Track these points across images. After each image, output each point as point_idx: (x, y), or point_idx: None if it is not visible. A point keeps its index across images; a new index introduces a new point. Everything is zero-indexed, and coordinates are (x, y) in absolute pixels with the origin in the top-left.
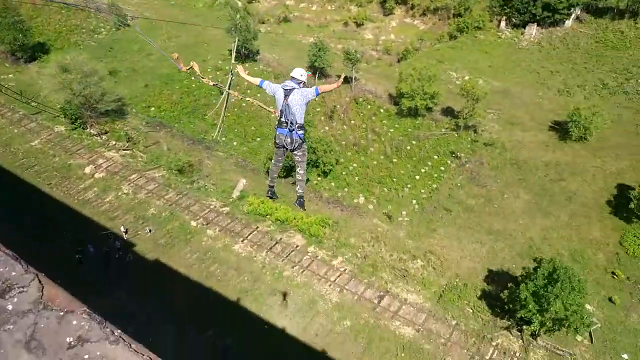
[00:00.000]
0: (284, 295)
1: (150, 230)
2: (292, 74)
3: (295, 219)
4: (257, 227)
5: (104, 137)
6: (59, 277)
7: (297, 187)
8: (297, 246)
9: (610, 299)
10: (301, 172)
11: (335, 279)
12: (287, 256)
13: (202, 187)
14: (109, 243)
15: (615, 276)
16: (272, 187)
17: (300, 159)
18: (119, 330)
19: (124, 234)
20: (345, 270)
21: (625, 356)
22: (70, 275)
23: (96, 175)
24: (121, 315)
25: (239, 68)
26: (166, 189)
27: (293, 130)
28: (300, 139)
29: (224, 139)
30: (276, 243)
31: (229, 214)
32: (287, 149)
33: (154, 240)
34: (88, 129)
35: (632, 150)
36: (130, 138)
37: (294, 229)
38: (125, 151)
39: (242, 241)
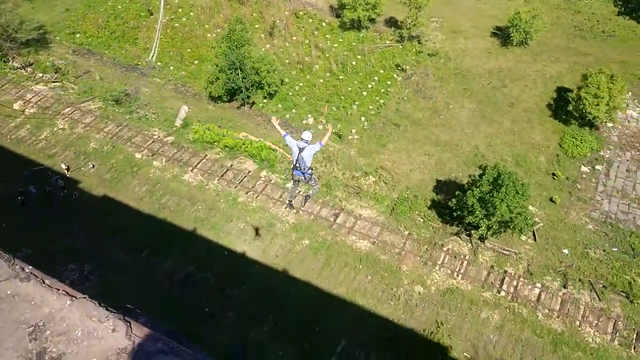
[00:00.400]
0: (257, 230)
1: (93, 166)
2: (302, 136)
3: (244, 144)
4: (206, 155)
5: (29, 69)
6: (3, 221)
7: (307, 193)
8: (249, 172)
9: (551, 199)
10: (312, 192)
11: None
12: (239, 182)
13: (142, 117)
14: (51, 182)
15: (555, 177)
16: (291, 202)
17: (314, 185)
18: (29, 267)
19: (65, 171)
20: (300, 192)
21: (565, 251)
22: (14, 219)
23: (27, 112)
24: (74, 254)
25: (273, 119)
26: (105, 121)
27: (305, 172)
28: (310, 175)
29: (159, 64)
30: (227, 170)
31: (174, 143)
32: (300, 182)
33: (98, 175)
34: (10, 62)
35: (570, 52)
36: (58, 69)
37: (244, 155)
38: (55, 83)
39: (191, 170)
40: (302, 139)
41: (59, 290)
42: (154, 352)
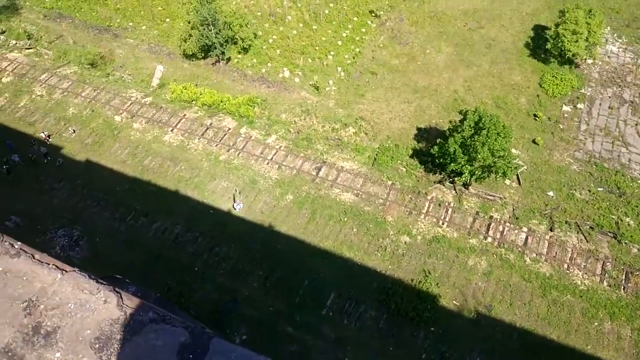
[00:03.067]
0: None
1: (74, 131)
2: None
3: (222, 101)
4: (185, 115)
5: (1, 37)
6: None
7: None
8: (229, 129)
9: (534, 141)
10: None
11: (272, 157)
12: (220, 140)
13: (118, 79)
14: (33, 149)
15: (537, 118)
16: None
17: None
18: (18, 243)
19: (47, 138)
20: (280, 147)
21: (550, 193)
22: (1, 189)
23: (3, 80)
24: (62, 219)
25: None
26: (82, 86)
27: None
28: None
29: (130, 23)
30: (207, 129)
31: (153, 104)
32: None
33: (80, 140)
34: None
35: None
36: (31, 35)
37: (222, 112)
38: (29, 50)
39: (171, 131)
40: None
41: (49, 264)
42: (146, 321)
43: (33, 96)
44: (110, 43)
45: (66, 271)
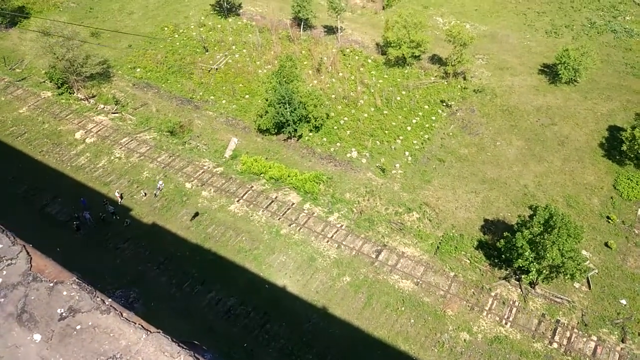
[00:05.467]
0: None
1: (145, 194)
2: None
3: (289, 176)
4: (252, 187)
5: (91, 101)
6: (59, 245)
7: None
8: (293, 204)
9: (606, 244)
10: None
11: (333, 235)
12: (283, 214)
13: (194, 148)
14: (104, 208)
15: (610, 220)
16: None
17: None
18: (109, 300)
19: (119, 198)
20: (341, 226)
21: (623, 301)
22: (68, 243)
23: (87, 140)
24: (122, 279)
25: None
26: (158, 151)
27: None
28: None
29: (212, 97)
30: (272, 202)
31: (223, 174)
32: None
33: (149, 203)
34: (75, 94)
35: (622, 90)
36: (118, 101)
37: (288, 187)
38: (114, 114)
39: (237, 201)
40: None
41: (135, 323)
42: None
43: (112, 157)
44: (191, 114)
45: (151, 332)
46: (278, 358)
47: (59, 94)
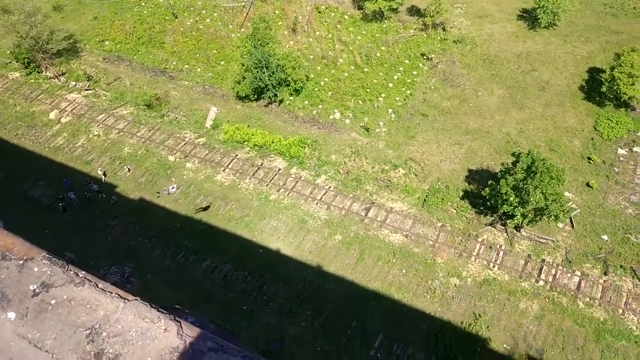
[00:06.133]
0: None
1: (129, 170)
2: None
3: (273, 142)
4: (236, 155)
5: (62, 78)
6: (47, 228)
7: None
8: (280, 169)
9: (587, 184)
10: None
11: (322, 197)
12: (270, 180)
13: (173, 120)
14: (89, 187)
15: (591, 161)
16: None
17: None
18: (83, 272)
19: (102, 176)
20: (330, 187)
21: (605, 237)
22: (57, 225)
23: (62, 120)
24: (115, 256)
25: None
26: (137, 126)
27: None
28: None
29: (186, 66)
30: (258, 169)
31: (206, 144)
32: None
33: (134, 179)
34: (44, 72)
35: (601, 31)
36: (90, 77)
37: (273, 153)
38: (87, 91)
39: (223, 171)
40: None
41: (112, 293)
42: (205, 350)
43: (90, 136)
44: (166, 85)
45: (128, 300)
46: (277, 316)
47: (27, 74)
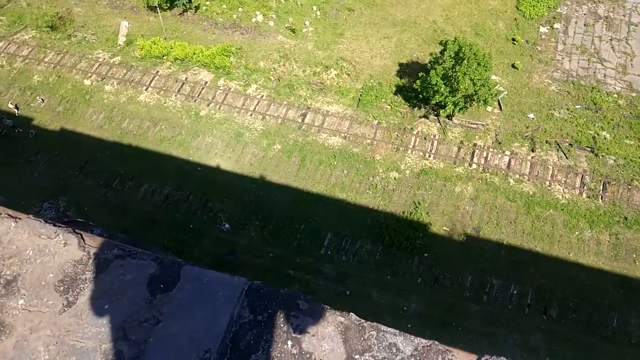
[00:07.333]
0: None
1: (42, 100)
2: None
3: (195, 54)
4: (157, 72)
5: None
6: None
7: None
8: (206, 82)
9: (513, 65)
10: None
11: (255, 108)
12: (198, 95)
13: (82, 40)
14: (2, 123)
15: (515, 42)
16: None
17: None
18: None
19: (15, 110)
20: (262, 96)
21: (531, 115)
22: None
23: None
24: (45, 192)
25: None
26: (43, 51)
27: None
28: None
29: None
30: (182, 84)
31: (122, 63)
32: None
33: (50, 109)
34: None
35: None
36: None
37: (197, 66)
38: None
39: (145, 90)
40: None
41: (1, 214)
42: (111, 258)
43: None
44: (67, 1)
45: (20, 219)
46: (226, 230)
47: None
